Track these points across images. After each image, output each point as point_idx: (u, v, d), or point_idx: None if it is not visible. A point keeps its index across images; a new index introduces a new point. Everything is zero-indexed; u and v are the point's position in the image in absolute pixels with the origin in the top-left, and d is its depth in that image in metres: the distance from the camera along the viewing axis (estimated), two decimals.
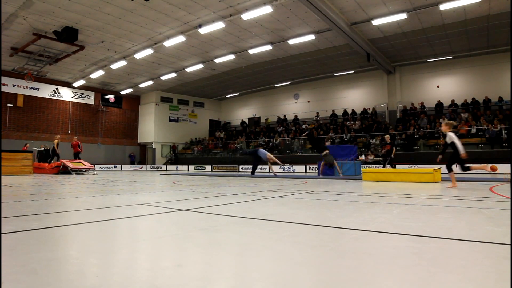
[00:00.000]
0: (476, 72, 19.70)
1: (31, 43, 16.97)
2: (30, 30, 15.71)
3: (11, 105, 22.61)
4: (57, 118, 25.19)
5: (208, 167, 24.37)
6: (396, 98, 21.94)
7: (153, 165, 28.05)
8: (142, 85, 26.04)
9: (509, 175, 9.19)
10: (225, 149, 26.61)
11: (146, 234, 2.07)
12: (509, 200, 3.70)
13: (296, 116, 25.69)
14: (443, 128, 6.29)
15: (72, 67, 21.72)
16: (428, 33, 16.28)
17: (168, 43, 17.34)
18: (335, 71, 23.30)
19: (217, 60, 20.36)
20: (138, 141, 30.27)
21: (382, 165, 12.64)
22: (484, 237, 1.84)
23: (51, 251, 1.54)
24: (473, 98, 18.93)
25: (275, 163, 13.04)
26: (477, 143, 16.24)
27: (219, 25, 15.11)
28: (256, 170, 13.22)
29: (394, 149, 12.35)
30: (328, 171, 11.35)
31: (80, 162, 14.42)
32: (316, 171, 14.22)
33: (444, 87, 20.64)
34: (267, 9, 13.52)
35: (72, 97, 26.05)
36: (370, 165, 16.52)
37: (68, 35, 15.55)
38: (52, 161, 15.18)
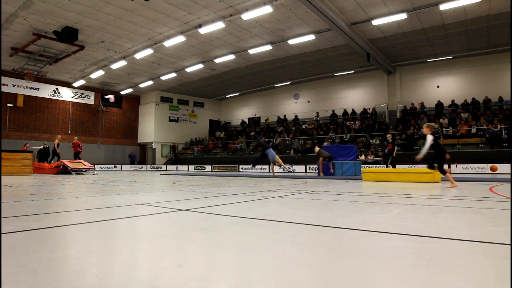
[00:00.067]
0: (476, 72, 19.70)
1: (31, 43, 16.97)
2: (30, 30, 15.71)
3: (11, 105, 22.61)
4: (57, 118, 25.19)
5: (208, 167, 24.38)
6: (396, 98, 21.94)
7: (153, 165, 28.05)
8: (142, 85, 26.04)
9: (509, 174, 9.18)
10: (225, 149, 26.62)
11: (146, 234, 2.07)
12: (509, 200, 3.71)
13: (296, 116, 25.69)
14: (424, 130, 6.39)
15: (72, 67, 21.72)
16: (428, 33, 16.28)
17: (168, 43, 17.34)
18: (335, 71, 23.30)
19: (217, 60, 20.36)
20: (138, 141, 30.27)
21: (385, 165, 12.59)
22: (484, 237, 1.84)
23: (51, 251, 1.54)
24: (473, 98, 18.94)
25: (280, 165, 12.99)
26: (477, 143, 16.25)
27: (219, 25, 15.11)
28: (257, 165, 13.09)
29: (395, 148, 12.36)
30: (328, 171, 11.35)
31: (80, 162, 14.42)
32: (316, 171, 14.21)
33: (444, 87, 20.64)
34: (267, 9, 13.52)
35: (72, 97, 26.05)
36: (370, 165, 16.53)
37: (68, 35, 15.55)
38: (53, 161, 15.19)
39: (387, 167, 12.05)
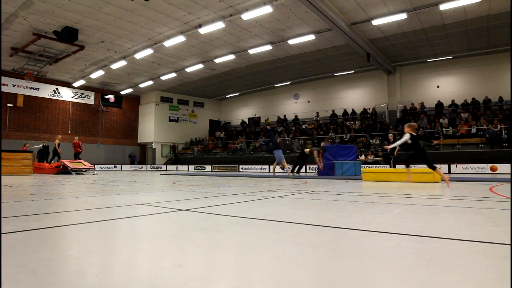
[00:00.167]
0: (476, 72, 19.70)
1: (31, 43, 16.97)
2: (30, 30, 15.71)
3: (11, 105, 22.62)
4: (57, 118, 25.19)
5: (208, 167, 24.38)
6: (396, 98, 21.94)
7: (153, 165, 28.05)
8: (142, 85, 26.04)
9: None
10: (225, 149, 26.62)
11: (146, 234, 2.07)
12: (509, 200, 3.71)
13: (296, 116, 25.69)
14: (406, 129, 6.83)
15: (72, 67, 21.72)
16: (428, 33, 16.28)
17: (168, 43, 17.34)
18: (335, 71, 23.30)
19: (217, 60, 20.36)
20: (138, 141, 30.28)
21: (387, 165, 12.51)
22: (484, 237, 1.84)
23: (51, 251, 1.54)
24: (473, 98, 18.94)
25: (283, 167, 12.95)
26: (477, 143, 16.25)
27: (219, 25, 15.11)
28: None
29: (397, 147, 12.35)
30: (328, 171, 11.36)
31: (80, 162, 14.42)
32: (316, 171, 14.21)
33: (444, 87, 20.65)
34: (267, 9, 13.52)
35: (72, 97, 26.06)
36: (370, 165, 16.52)
37: (68, 35, 15.55)
38: (53, 161, 15.19)
39: (390, 167, 12.01)
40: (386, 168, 12.85)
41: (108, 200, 3.90)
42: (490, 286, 1.13)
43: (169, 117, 29.85)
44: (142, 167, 28.22)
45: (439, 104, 19.73)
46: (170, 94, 29.44)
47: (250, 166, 21.77)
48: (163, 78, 24.13)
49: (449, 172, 15.00)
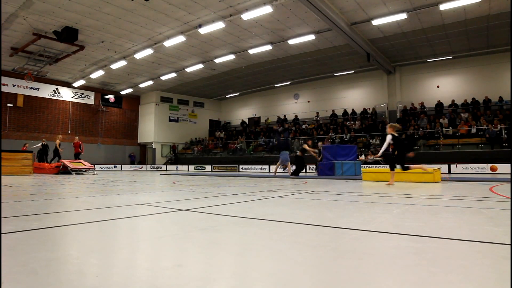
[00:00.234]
0: (476, 72, 19.70)
1: (31, 43, 16.97)
2: (30, 30, 15.71)
3: (11, 105, 22.62)
4: (57, 118, 25.19)
5: (208, 167, 24.38)
6: (396, 98, 21.94)
7: (153, 165, 28.05)
8: (142, 85, 26.04)
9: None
10: (225, 149, 26.62)
11: (146, 234, 2.07)
12: (509, 200, 3.71)
13: (296, 116, 25.69)
14: (388, 130, 6.88)
15: (72, 67, 21.72)
16: (428, 33, 16.28)
17: (168, 43, 17.34)
18: (335, 71, 23.30)
19: (217, 60, 20.36)
20: (138, 141, 30.28)
21: (388, 165, 12.38)
22: (484, 237, 1.84)
23: (51, 251, 1.54)
24: (473, 98, 18.94)
25: (284, 168, 12.97)
26: (477, 143, 16.25)
27: (219, 25, 15.11)
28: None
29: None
30: (328, 171, 11.36)
31: (80, 162, 14.42)
32: (316, 171, 14.21)
33: (444, 87, 20.65)
34: (267, 9, 13.52)
35: (72, 97, 26.06)
36: (370, 165, 16.52)
37: (68, 35, 15.55)
38: (53, 161, 15.19)
39: (393, 167, 11.97)
40: (386, 168, 12.80)
41: (108, 200, 3.90)
42: (490, 286, 1.13)
43: (169, 117, 29.86)
44: (142, 167, 28.22)
45: (439, 104, 19.73)
46: (170, 94, 29.44)
47: (250, 166, 21.77)
48: (163, 78, 24.13)
49: (449, 172, 15.00)
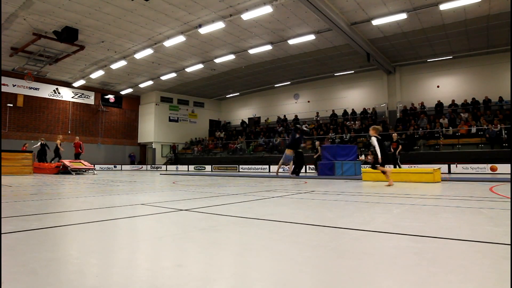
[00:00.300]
0: (476, 72, 19.71)
1: (31, 43, 16.98)
2: (30, 30, 15.71)
3: (11, 105, 22.62)
4: (57, 118, 25.19)
5: (208, 167, 24.38)
6: (396, 98, 21.95)
7: (153, 165, 28.06)
8: (142, 85, 26.04)
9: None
10: (225, 149, 26.62)
11: (146, 234, 2.07)
12: (509, 200, 3.70)
13: (296, 116, 25.68)
14: (370, 132, 6.91)
15: (72, 67, 21.73)
16: (428, 33, 16.28)
17: (168, 43, 17.34)
18: (335, 71, 23.30)
19: (217, 60, 20.36)
20: (138, 141, 30.28)
21: (392, 165, 12.35)
22: (484, 237, 1.84)
23: (51, 251, 1.54)
24: (473, 98, 18.94)
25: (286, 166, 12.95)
26: (477, 143, 16.26)
27: (219, 25, 15.11)
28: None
29: (400, 147, 12.38)
30: (328, 171, 11.36)
31: (80, 162, 14.42)
32: (316, 171, 14.21)
33: (444, 87, 20.65)
34: (267, 9, 13.52)
35: (72, 97, 26.06)
36: (370, 165, 16.51)
37: (68, 35, 15.55)
38: (53, 161, 15.18)
39: (395, 167, 11.98)
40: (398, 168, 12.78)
41: (108, 200, 3.90)
42: (490, 286, 1.13)
43: (169, 117, 29.86)
44: (142, 167, 28.22)
45: (439, 104, 19.73)
46: (170, 94, 29.44)
47: (250, 166, 21.77)
48: (163, 78, 24.14)
49: (449, 172, 15.00)
